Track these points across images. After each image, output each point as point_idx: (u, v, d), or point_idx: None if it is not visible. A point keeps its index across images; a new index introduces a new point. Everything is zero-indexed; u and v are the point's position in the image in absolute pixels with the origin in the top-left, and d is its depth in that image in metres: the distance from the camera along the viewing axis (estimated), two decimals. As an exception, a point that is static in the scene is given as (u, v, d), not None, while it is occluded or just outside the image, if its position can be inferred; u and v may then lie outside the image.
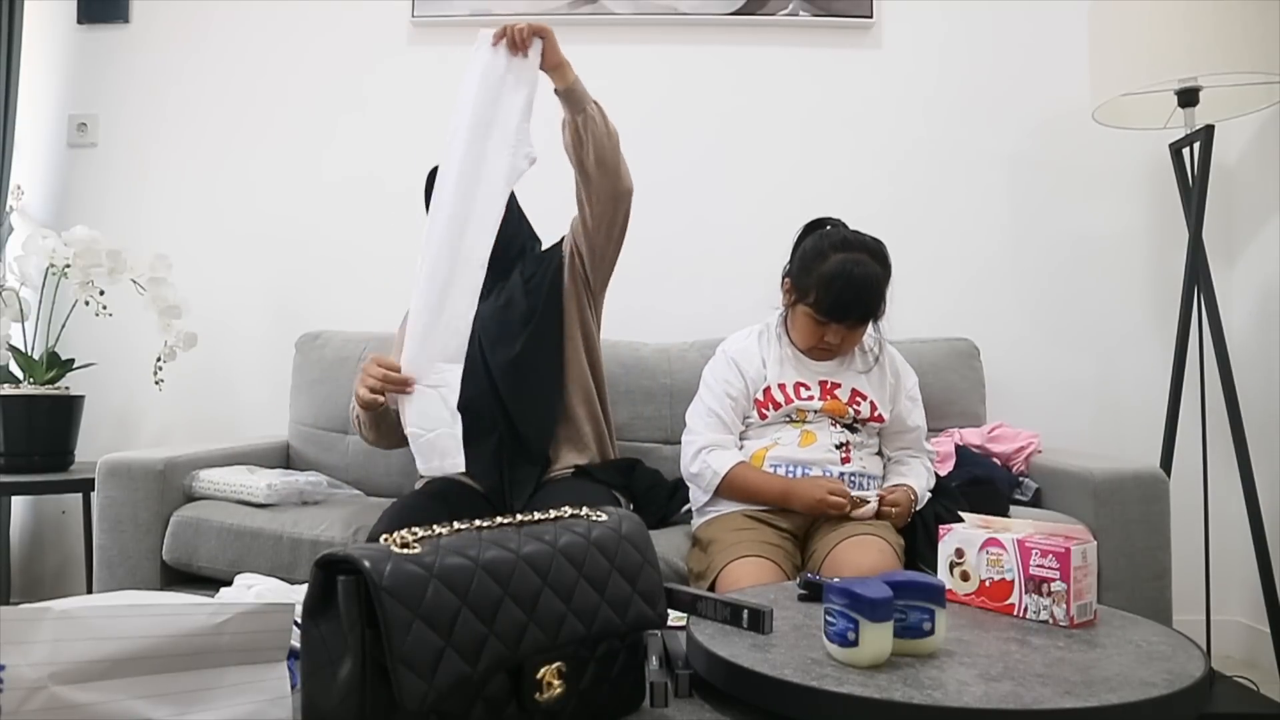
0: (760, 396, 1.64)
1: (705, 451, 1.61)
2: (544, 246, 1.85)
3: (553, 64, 1.57)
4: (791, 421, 1.63)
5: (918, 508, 1.58)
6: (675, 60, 2.44)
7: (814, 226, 1.67)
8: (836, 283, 1.53)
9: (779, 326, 1.70)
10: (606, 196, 1.65)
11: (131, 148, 2.51)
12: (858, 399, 1.63)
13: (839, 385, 1.63)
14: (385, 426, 1.60)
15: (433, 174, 1.69)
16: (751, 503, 1.58)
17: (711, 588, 1.42)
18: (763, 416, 1.63)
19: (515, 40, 1.52)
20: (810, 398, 1.62)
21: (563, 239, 1.80)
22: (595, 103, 1.62)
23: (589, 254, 1.73)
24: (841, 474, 1.57)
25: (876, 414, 1.64)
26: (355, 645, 0.69)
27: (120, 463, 1.76)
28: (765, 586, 1.28)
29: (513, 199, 1.72)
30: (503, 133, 1.50)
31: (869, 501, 1.51)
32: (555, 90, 1.60)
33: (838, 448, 1.59)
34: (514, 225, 1.75)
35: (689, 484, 1.69)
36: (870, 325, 1.63)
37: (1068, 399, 2.33)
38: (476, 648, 0.72)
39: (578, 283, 1.75)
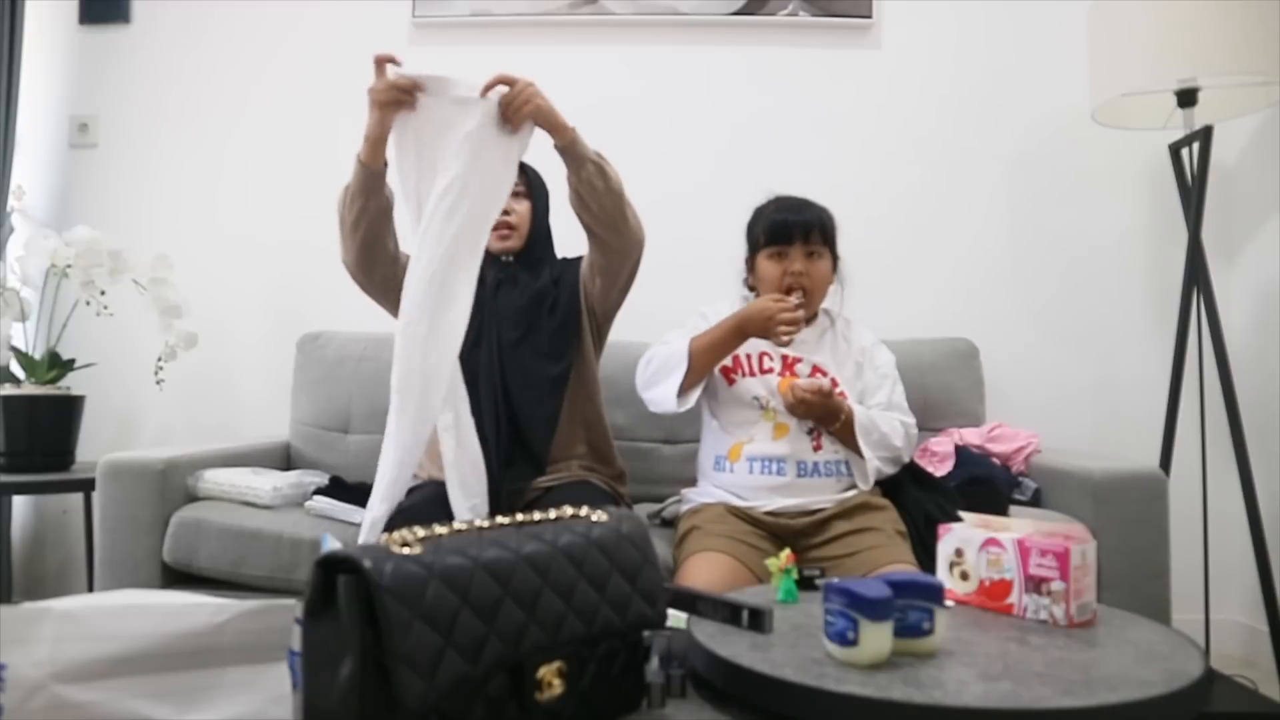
0: (728, 362, 1.66)
1: (654, 348, 1.67)
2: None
3: (549, 126, 1.51)
4: (764, 412, 1.64)
5: (864, 451, 1.56)
6: (675, 60, 2.44)
7: None
8: (773, 208, 1.68)
9: (750, 295, 1.75)
10: (613, 251, 1.63)
11: (132, 148, 2.51)
12: (819, 374, 1.65)
13: (799, 360, 1.66)
14: (375, 207, 1.62)
15: None
16: (721, 355, 1.61)
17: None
18: (730, 382, 1.65)
19: (508, 114, 1.47)
20: (770, 370, 1.64)
21: (581, 257, 1.76)
22: (595, 159, 1.55)
23: (598, 298, 1.71)
24: (815, 463, 1.58)
25: (838, 389, 1.64)
26: (355, 645, 0.69)
27: (121, 463, 1.76)
28: (762, 587, 1.28)
29: (544, 190, 1.74)
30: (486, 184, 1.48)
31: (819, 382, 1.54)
32: (554, 146, 1.54)
33: (808, 434, 1.61)
34: (542, 219, 1.76)
35: (654, 405, 1.66)
36: (832, 275, 1.68)
37: (1067, 399, 2.33)
38: (477, 647, 0.72)
39: (585, 311, 1.73)
